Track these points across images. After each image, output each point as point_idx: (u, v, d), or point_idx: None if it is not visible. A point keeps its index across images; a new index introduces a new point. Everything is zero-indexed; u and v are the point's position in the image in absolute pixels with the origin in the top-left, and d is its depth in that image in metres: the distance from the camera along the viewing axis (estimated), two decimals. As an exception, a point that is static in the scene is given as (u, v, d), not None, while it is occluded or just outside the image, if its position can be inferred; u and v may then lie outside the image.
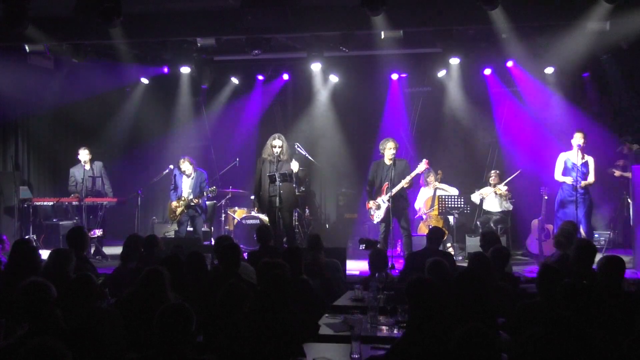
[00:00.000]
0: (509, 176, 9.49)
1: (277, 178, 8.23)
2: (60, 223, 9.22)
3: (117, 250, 7.47)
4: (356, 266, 7.75)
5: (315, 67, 9.72)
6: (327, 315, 4.64)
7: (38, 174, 11.04)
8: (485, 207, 9.52)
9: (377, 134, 10.25)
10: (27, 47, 8.88)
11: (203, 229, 9.51)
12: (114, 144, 11.38)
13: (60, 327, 3.41)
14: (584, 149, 8.09)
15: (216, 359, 3.48)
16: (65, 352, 2.59)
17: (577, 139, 8.05)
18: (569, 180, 8.16)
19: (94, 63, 9.74)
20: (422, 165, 8.20)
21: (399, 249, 8.90)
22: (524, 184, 9.73)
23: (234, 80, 11.04)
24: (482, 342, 2.74)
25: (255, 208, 9.47)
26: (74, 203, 9.20)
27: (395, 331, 4.27)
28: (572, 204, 8.00)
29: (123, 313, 3.93)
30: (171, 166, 9.50)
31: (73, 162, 9.52)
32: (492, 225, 9.12)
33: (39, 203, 9.47)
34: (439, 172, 9.90)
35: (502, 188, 9.30)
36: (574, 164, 8.10)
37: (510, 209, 9.41)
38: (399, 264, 7.64)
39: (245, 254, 6.65)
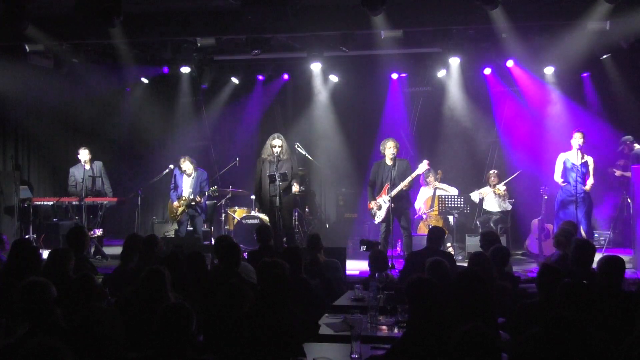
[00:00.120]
0: (509, 176, 9.49)
1: (277, 178, 8.23)
2: (60, 223, 9.20)
3: (117, 250, 7.48)
4: (356, 266, 7.74)
5: (315, 67, 9.73)
6: (327, 315, 4.63)
7: (38, 174, 11.04)
8: (485, 207, 9.53)
9: (377, 133, 10.26)
10: (27, 47, 8.89)
11: (203, 229, 9.51)
12: (114, 144, 11.39)
13: (60, 327, 3.40)
14: (584, 149, 8.10)
15: (216, 358, 3.47)
16: (66, 351, 2.58)
17: (577, 139, 8.06)
18: (560, 181, 8.21)
19: (94, 63, 9.74)
20: (423, 166, 8.21)
21: (399, 248, 8.90)
22: (524, 184, 9.74)
23: (234, 80, 11.03)
24: (482, 342, 2.72)
25: (257, 208, 9.47)
26: (74, 203, 9.19)
27: (395, 331, 4.27)
28: (573, 204, 8.00)
29: (123, 313, 3.93)
30: (171, 166, 9.50)
31: (73, 162, 9.52)
32: (491, 225, 9.12)
33: (39, 203, 9.46)
34: (439, 172, 9.90)
35: (501, 188, 9.30)
36: (573, 164, 8.10)
37: (509, 208, 9.41)
38: (399, 264, 7.64)
39: (245, 254, 6.64)
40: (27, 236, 8.87)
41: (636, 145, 8.70)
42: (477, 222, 9.40)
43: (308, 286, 4.94)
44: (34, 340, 2.64)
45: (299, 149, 10.11)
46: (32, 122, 10.67)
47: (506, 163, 10.13)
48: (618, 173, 8.89)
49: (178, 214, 9.21)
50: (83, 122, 10.98)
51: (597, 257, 5.18)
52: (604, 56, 9.34)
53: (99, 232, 9.08)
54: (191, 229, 9.42)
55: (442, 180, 9.85)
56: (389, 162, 8.21)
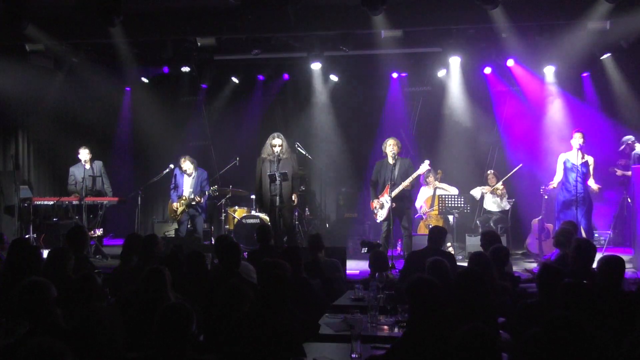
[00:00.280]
0: (510, 175, 9.50)
1: (277, 177, 8.23)
2: (61, 222, 9.18)
3: (117, 249, 7.47)
4: (356, 266, 7.74)
5: (316, 66, 9.72)
6: (327, 314, 4.62)
7: (38, 173, 11.03)
8: (484, 206, 9.53)
9: (377, 133, 10.26)
10: (27, 47, 8.88)
11: (203, 229, 9.50)
12: (114, 144, 11.39)
13: (60, 327, 3.40)
14: (584, 149, 8.09)
15: (217, 358, 3.47)
16: (65, 351, 2.58)
17: (576, 139, 8.04)
18: (555, 183, 8.23)
19: (94, 63, 9.73)
20: (424, 166, 8.22)
21: (399, 248, 8.90)
22: (524, 183, 9.74)
23: (234, 80, 11.03)
24: (482, 342, 2.72)
25: (257, 207, 9.46)
26: (74, 202, 9.18)
27: (396, 331, 4.26)
28: (573, 204, 8.00)
29: (123, 312, 3.92)
30: (171, 165, 9.49)
31: (73, 162, 9.51)
32: (492, 224, 9.13)
33: (39, 202, 9.46)
34: (439, 171, 9.90)
35: (499, 186, 9.32)
36: (573, 164, 8.10)
37: (507, 208, 9.41)
38: (399, 264, 7.63)
39: (245, 253, 6.64)
40: (27, 236, 8.86)
41: (637, 145, 8.69)
42: (477, 222, 9.40)
43: (308, 286, 4.94)
44: (34, 340, 2.63)
45: (299, 148, 10.11)
46: (32, 122, 10.67)
47: (507, 162, 10.12)
48: (619, 173, 8.87)
49: (178, 213, 9.21)
50: (83, 122, 10.97)
51: (597, 256, 5.18)
52: (605, 56, 9.34)
53: (99, 231, 9.07)
54: (191, 228, 9.42)
55: (442, 180, 9.85)
56: (390, 160, 8.22)
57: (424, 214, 9.57)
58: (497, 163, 10.23)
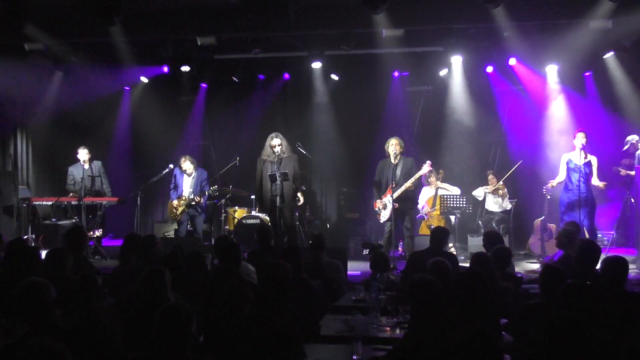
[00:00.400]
0: (513, 171, 9.48)
1: (277, 177, 8.20)
2: (59, 223, 9.15)
3: (116, 250, 7.42)
4: (357, 267, 7.71)
5: (316, 66, 9.68)
6: (328, 315, 4.61)
7: (37, 174, 11.01)
8: (486, 207, 9.50)
9: (378, 133, 10.22)
10: (26, 46, 8.85)
11: (203, 229, 9.47)
12: (113, 143, 11.35)
13: (60, 328, 3.39)
14: (587, 149, 8.06)
15: (216, 359, 3.44)
16: (65, 352, 2.58)
17: (579, 139, 8.04)
18: (554, 183, 8.19)
19: (93, 62, 9.70)
20: (426, 167, 8.22)
21: (400, 249, 8.87)
22: (526, 183, 9.70)
23: (235, 79, 10.99)
24: (484, 344, 2.70)
25: (257, 208, 9.43)
26: (73, 203, 9.15)
27: (397, 332, 4.25)
28: (576, 204, 7.97)
29: (123, 313, 3.90)
30: (171, 165, 9.46)
31: (72, 162, 9.48)
32: (494, 225, 9.09)
33: (38, 202, 9.43)
34: (441, 171, 9.86)
35: (501, 185, 9.30)
36: (576, 164, 8.07)
37: (509, 208, 9.38)
38: (401, 265, 7.59)
39: (245, 254, 6.61)
40: (25, 236, 8.82)
41: None
42: (480, 222, 9.36)
43: (308, 286, 4.91)
44: (34, 341, 2.63)
45: (299, 148, 10.08)
46: (31, 122, 10.65)
47: (509, 162, 10.06)
48: (623, 172, 8.82)
49: (178, 213, 9.18)
50: (82, 122, 10.93)
51: (601, 257, 5.14)
52: (607, 55, 9.31)
53: (98, 232, 9.03)
54: (191, 229, 9.39)
55: (444, 180, 9.81)
56: (393, 160, 8.21)
57: (426, 214, 9.53)
58: (500, 162, 10.19)
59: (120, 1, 7.24)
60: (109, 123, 11.36)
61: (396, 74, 10.70)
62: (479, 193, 9.51)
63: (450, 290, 3.88)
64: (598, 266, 4.89)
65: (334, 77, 10.68)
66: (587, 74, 10.06)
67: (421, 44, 9.23)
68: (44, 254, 5.24)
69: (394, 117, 10.81)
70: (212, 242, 7.96)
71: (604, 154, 8.62)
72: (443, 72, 10.15)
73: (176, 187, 9.29)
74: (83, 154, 9.24)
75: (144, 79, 10.82)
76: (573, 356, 2.78)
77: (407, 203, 8.19)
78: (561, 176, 8.27)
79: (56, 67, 9.80)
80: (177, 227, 9.52)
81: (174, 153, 10.15)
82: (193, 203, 9.10)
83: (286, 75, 11.04)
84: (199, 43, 9.05)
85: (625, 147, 8.78)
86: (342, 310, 4.77)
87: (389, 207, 8.14)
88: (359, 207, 10.88)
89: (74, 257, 5.04)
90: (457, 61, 9.53)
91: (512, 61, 9.63)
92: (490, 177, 9.49)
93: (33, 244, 8.46)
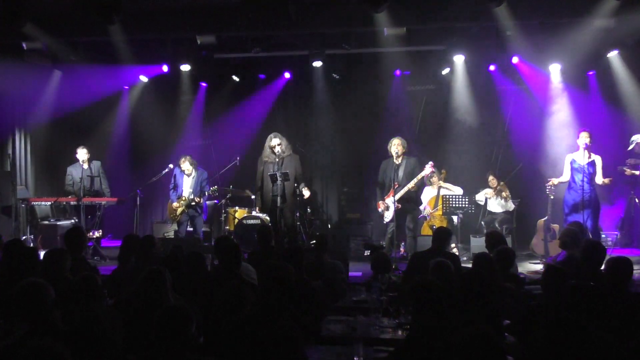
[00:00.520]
0: (513, 174, 9.41)
1: (278, 177, 8.16)
2: (58, 223, 9.11)
3: (116, 251, 7.38)
4: (358, 267, 7.67)
5: (317, 65, 9.64)
6: (329, 316, 4.58)
7: (36, 174, 10.97)
8: (488, 208, 9.46)
9: (379, 132, 10.17)
10: (24, 45, 8.81)
11: (203, 229, 9.43)
12: (112, 143, 11.31)
13: (59, 328, 3.39)
14: (591, 148, 8.02)
15: (216, 361, 3.42)
16: (64, 353, 2.58)
17: (583, 138, 8.01)
18: (556, 182, 8.20)
19: (92, 61, 9.65)
20: (428, 168, 8.20)
21: (402, 250, 8.82)
22: (530, 183, 9.66)
23: (235, 79, 10.96)
24: (486, 345, 2.68)
25: (257, 208, 9.38)
26: (72, 203, 9.11)
27: (399, 333, 4.22)
28: (580, 204, 7.93)
29: (123, 314, 3.88)
30: (171, 165, 9.43)
31: (71, 162, 9.46)
32: (497, 225, 9.04)
33: (36, 203, 9.39)
34: (443, 171, 9.81)
35: (503, 187, 9.25)
36: (579, 164, 8.04)
37: (512, 208, 9.33)
38: (402, 266, 7.55)
39: (245, 254, 6.56)
40: (24, 237, 8.79)
41: None
42: (482, 223, 9.31)
43: (309, 287, 4.86)
44: (33, 341, 2.64)
45: (300, 148, 10.03)
46: (29, 121, 10.62)
47: (512, 161, 10.03)
48: (628, 172, 8.76)
49: (178, 214, 9.14)
50: (81, 121, 10.91)
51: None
52: (611, 53, 9.27)
53: (97, 233, 8.99)
54: (191, 229, 9.34)
55: (446, 180, 9.76)
56: (395, 160, 8.18)
57: (428, 215, 9.48)
58: (503, 162, 10.14)
59: (119, 0, 7.21)
60: (108, 123, 11.33)
61: (398, 73, 10.66)
62: (480, 197, 9.46)
63: (452, 291, 3.85)
64: (602, 267, 4.86)
65: (335, 76, 10.63)
66: (590, 72, 10.06)
67: (423, 42, 9.18)
68: (42, 254, 5.20)
69: (396, 117, 10.77)
70: (212, 243, 7.91)
71: (608, 154, 8.56)
72: (445, 71, 10.12)
73: (176, 187, 9.25)
74: (82, 154, 9.21)
75: (144, 78, 10.79)
76: (575, 357, 2.77)
77: (409, 203, 8.17)
78: (565, 176, 8.24)
79: (55, 67, 9.76)
80: (176, 228, 9.47)
81: (173, 153, 10.12)
82: (193, 203, 9.06)
83: (287, 75, 11.00)
84: (199, 42, 9.00)
85: (631, 147, 8.72)
86: (343, 312, 4.76)
87: (392, 208, 8.12)
88: (360, 207, 10.85)
89: (72, 258, 5.00)
90: (459, 60, 9.50)
91: (515, 60, 9.58)
92: (491, 177, 9.45)
93: (31, 245, 8.40)
